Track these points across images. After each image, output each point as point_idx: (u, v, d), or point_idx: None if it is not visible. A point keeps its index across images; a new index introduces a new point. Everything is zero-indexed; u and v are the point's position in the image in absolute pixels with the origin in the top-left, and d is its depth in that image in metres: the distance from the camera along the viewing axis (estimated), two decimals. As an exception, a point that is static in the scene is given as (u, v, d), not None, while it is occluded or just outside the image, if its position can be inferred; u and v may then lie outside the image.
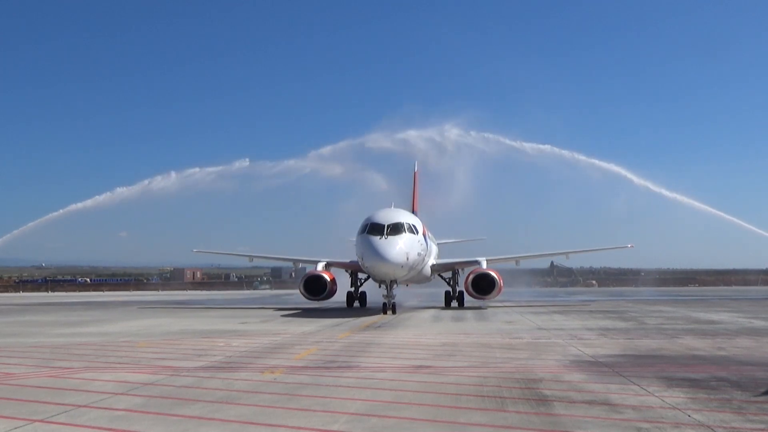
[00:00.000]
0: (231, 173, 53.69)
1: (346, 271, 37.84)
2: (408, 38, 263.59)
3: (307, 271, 37.09)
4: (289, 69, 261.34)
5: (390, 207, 33.13)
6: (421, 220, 32.58)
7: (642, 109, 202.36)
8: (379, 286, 31.10)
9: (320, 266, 36.47)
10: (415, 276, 33.71)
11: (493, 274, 33.96)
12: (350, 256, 34.23)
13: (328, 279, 34.58)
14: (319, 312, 31.26)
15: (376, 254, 27.37)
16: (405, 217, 30.09)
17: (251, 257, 44.30)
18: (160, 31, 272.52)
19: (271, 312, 31.93)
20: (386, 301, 29.09)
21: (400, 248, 27.66)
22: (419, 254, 30.04)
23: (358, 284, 36.98)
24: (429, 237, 33.98)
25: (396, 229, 28.20)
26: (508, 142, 48.76)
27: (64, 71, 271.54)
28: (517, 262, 42.40)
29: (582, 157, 48.26)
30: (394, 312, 28.50)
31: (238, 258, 48.74)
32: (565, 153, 48.62)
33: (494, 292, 33.76)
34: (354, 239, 30.60)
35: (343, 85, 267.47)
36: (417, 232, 29.76)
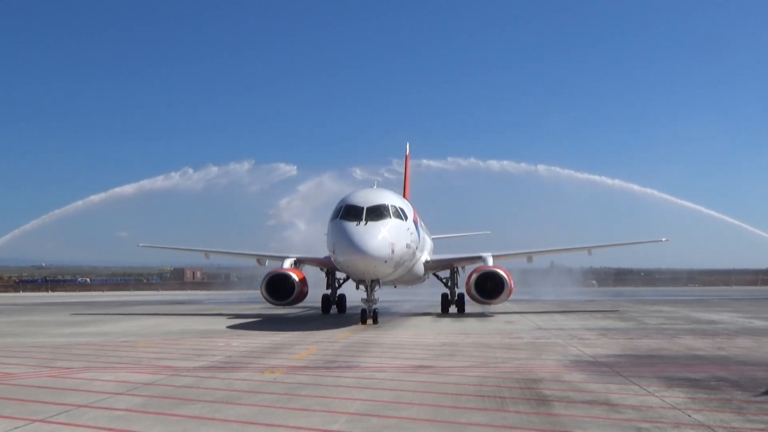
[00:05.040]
0: (232, 175, 53.61)
1: (322, 269, 31.75)
2: (409, 39, 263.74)
3: (271, 269, 30.67)
4: (299, 69, 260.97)
5: (372, 187, 26.49)
6: (412, 206, 26.48)
7: (638, 108, 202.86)
8: (357, 287, 25.12)
9: (288, 263, 30.70)
10: (404, 275, 27.54)
11: (501, 273, 28.10)
12: (326, 250, 26.29)
13: (297, 279, 28.17)
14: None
15: (351, 245, 21.24)
16: (390, 199, 23.73)
17: (207, 253, 37.75)
18: (161, 31, 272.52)
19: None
20: (366, 306, 23.17)
21: (383, 237, 21.48)
22: (408, 246, 23.63)
23: (336, 285, 31.03)
24: (421, 226, 27.84)
25: (378, 212, 22.11)
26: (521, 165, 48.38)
27: (64, 71, 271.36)
28: (529, 259, 35.62)
29: (579, 175, 48.26)
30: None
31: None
32: (565, 172, 48.49)
33: (503, 296, 27.92)
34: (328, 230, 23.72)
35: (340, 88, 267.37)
36: (405, 218, 23.43)
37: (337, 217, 22.44)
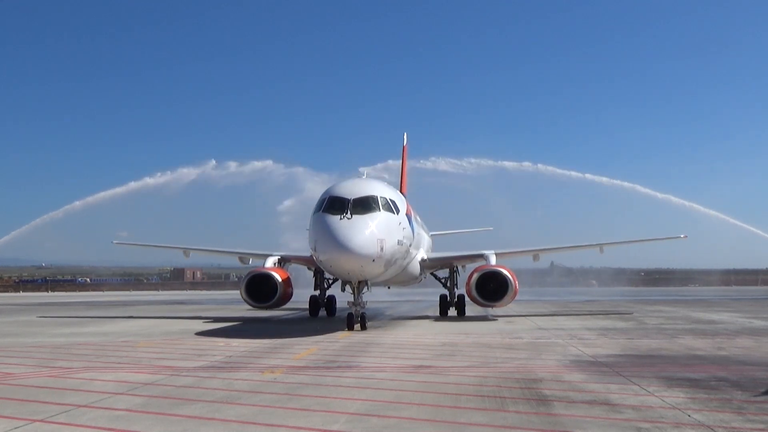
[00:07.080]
0: (233, 174, 53.35)
1: (309, 268, 29.43)
2: (408, 39, 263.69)
3: (252, 269, 28.45)
4: (302, 68, 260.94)
5: (361, 177, 24.43)
6: (406, 199, 24.33)
7: (636, 109, 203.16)
8: (343, 289, 23.03)
9: (270, 262, 28.17)
10: (398, 274, 24.74)
11: (505, 272, 25.74)
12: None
13: (280, 279, 25.79)
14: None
15: (334, 242, 18.85)
16: (380, 190, 21.14)
17: (186, 251, 35.14)
18: (161, 31, 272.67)
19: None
20: (352, 310, 20.68)
21: (371, 232, 19.14)
22: (400, 243, 21.13)
23: (325, 285, 28.97)
24: (417, 221, 25.55)
25: (365, 204, 19.72)
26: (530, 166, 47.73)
27: (64, 71, 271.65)
28: (536, 257, 32.85)
29: (585, 175, 47.56)
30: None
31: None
32: (569, 173, 47.69)
33: (507, 298, 25.59)
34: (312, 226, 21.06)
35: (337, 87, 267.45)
36: (397, 211, 20.91)
37: (319, 210, 20.00)
